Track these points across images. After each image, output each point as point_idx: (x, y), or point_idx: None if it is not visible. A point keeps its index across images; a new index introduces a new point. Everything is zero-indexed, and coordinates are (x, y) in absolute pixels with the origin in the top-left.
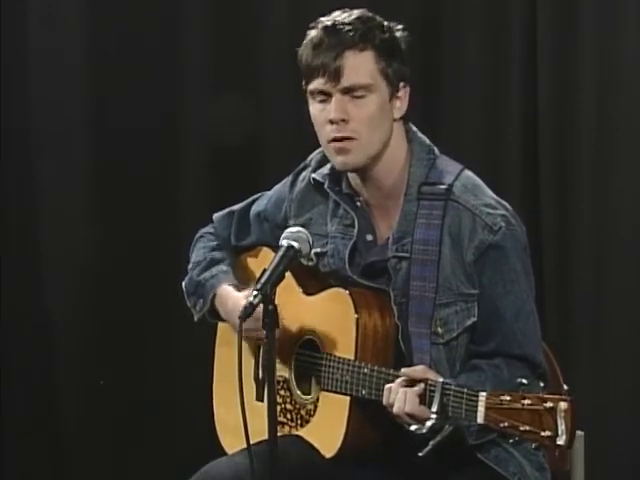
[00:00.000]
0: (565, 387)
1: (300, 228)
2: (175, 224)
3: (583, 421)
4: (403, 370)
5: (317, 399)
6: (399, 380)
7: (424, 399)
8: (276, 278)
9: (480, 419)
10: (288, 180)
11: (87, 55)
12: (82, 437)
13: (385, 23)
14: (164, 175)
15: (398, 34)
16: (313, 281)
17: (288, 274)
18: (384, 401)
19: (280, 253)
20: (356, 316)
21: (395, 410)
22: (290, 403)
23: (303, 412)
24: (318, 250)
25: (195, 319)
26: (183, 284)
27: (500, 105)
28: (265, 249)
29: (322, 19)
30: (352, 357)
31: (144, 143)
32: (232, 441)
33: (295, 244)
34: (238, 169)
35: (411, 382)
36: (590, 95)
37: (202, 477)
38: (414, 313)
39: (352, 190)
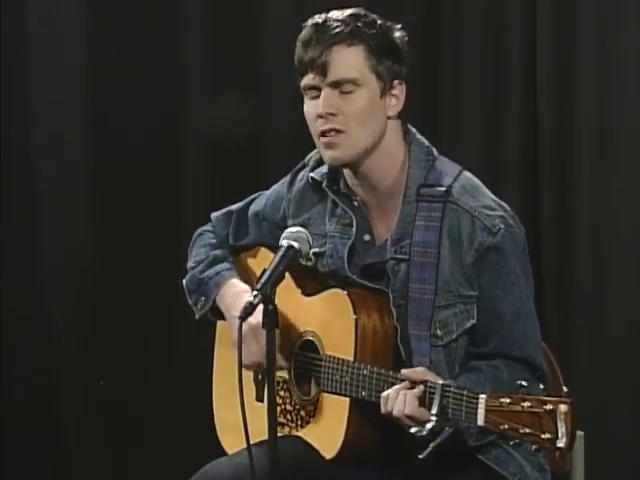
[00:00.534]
0: (565, 389)
1: (300, 228)
2: (175, 224)
3: (583, 421)
4: (403, 372)
5: (317, 400)
6: (396, 386)
7: (424, 401)
8: (276, 278)
9: (480, 421)
10: (286, 180)
11: (87, 55)
12: (82, 437)
13: (380, 21)
14: (164, 175)
15: (396, 33)
16: (312, 282)
17: (287, 275)
18: (382, 409)
19: (280, 253)
20: (355, 317)
21: (395, 412)
22: (290, 404)
23: (303, 413)
24: (317, 250)
25: (196, 316)
26: (184, 282)
27: (500, 105)
28: (264, 249)
29: (315, 16)
30: (351, 358)
31: (144, 143)
32: (232, 441)
33: (295, 244)
34: (238, 169)
35: (411, 384)
36: (590, 95)
37: (202, 477)
38: (413, 315)
39: (349, 190)
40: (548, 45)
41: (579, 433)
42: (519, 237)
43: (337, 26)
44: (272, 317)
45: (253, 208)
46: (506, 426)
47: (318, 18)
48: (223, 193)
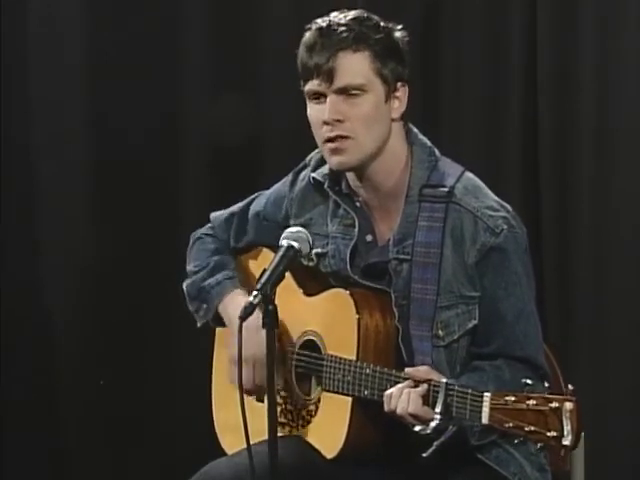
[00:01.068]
0: (570, 387)
1: (300, 228)
2: (175, 224)
3: (583, 421)
4: (406, 370)
5: (318, 400)
6: (400, 385)
7: (428, 400)
8: (276, 278)
9: (485, 420)
10: (288, 179)
11: (87, 55)
12: (82, 437)
13: (382, 23)
14: (164, 175)
15: (397, 34)
16: (313, 282)
17: (288, 275)
18: (385, 408)
19: (280, 253)
20: (357, 316)
21: (399, 411)
22: (291, 404)
23: (304, 413)
24: (319, 250)
25: (198, 324)
26: (184, 287)
27: (500, 105)
28: (265, 250)
29: (318, 20)
30: (354, 357)
31: (144, 143)
32: (232, 441)
33: (295, 244)
34: (238, 169)
35: (414, 383)
36: (590, 95)
37: (202, 477)
38: (415, 315)
39: (351, 190)
40: (548, 45)
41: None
42: (521, 238)
43: (342, 31)
44: (272, 317)
45: (253, 208)
46: (511, 424)
47: (322, 22)
48: (223, 193)
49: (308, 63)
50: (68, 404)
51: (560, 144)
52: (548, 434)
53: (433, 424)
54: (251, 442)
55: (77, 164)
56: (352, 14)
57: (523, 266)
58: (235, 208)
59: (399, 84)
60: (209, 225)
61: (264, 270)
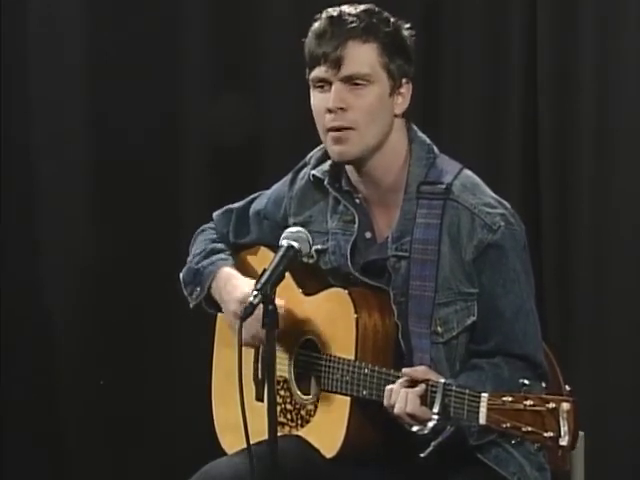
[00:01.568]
0: (567, 388)
1: (300, 228)
2: (175, 224)
3: (583, 421)
4: (404, 370)
5: (317, 399)
6: (400, 381)
7: (425, 400)
8: (276, 278)
9: (482, 420)
10: (287, 178)
11: (87, 55)
12: (82, 437)
13: (392, 19)
14: (164, 175)
15: (405, 32)
16: (312, 281)
17: (287, 274)
18: (385, 402)
19: (280, 253)
20: (356, 316)
21: (396, 411)
22: (290, 403)
23: (303, 412)
24: (319, 247)
25: (190, 306)
26: (181, 275)
27: (500, 105)
28: (264, 249)
29: (329, 9)
30: (352, 357)
31: (144, 143)
32: (232, 441)
33: (295, 244)
34: (238, 169)
35: (412, 383)
36: (590, 95)
37: (202, 477)
38: (414, 312)
39: (351, 187)
40: (548, 45)
41: (579, 433)
42: (519, 235)
43: (353, 21)
44: (272, 317)
45: (254, 207)
46: (508, 425)
47: (333, 11)
48: (223, 193)
49: (316, 50)
50: (68, 404)
51: (560, 144)
52: (545, 434)
53: (431, 424)
54: (251, 442)
55: (77, 164)
56: (363, 6)
57: (521, 263)
58: (235, 205)
59: (404, 80)
60: (212, 222)
61: (264, 270)
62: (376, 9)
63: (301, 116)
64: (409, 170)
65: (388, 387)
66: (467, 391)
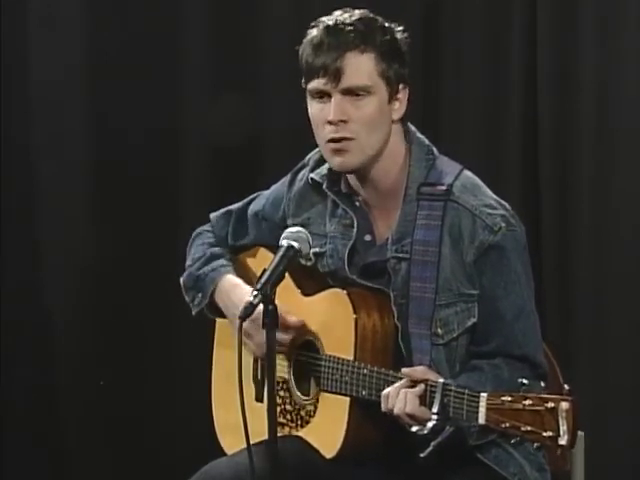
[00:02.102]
0: (566, 387)
1: (300, 228)
2: (175, 224)
3: (583, 421)
4: (403, 370)
5: (317, 400)
6: (397, 384)
7: (425, 400)
8: (276, 278)
9: (481, 420)
10: (286, 179)
11: (87, 55)
12: (82, 437)
13: (386, 24)
14: (164, 175)
15: (399, 35)
16: (311, 282)
17: (286, 275)
18: (382, 407)
19: (280, 253)
20: (355, 316)
21: (396, 411)
22: (290, 404)
23: (303, 413)
24: (317, 250)
25: (193, 313)
26: (181, 280)
27: (500, 105)
28: (263, 249)
29: (323, 18)
30: (351, 358)
31: (144, 143)
32: (232, 441)
33: (295, 244)
34: (238, 169)
35: (412, 383)
36: (590, 95)
37: (202, 477)
38: (414, 314)
39: (351, 190)
40: (548, 45)
41: (579, 433)
42: (520, 236)
43: (350, 31)
44: (272, 317)
45: (252, 208)
46: (507, 424)
47: (328, 21)
48: (223, 193)
49: (314, 62)
50: (68, 404)
51: (560, 144)
52: (544, 434)
53: (430, 424)
54: (251, 442)
55: (77, 164)
56: (357, 14)
57: (522, 264)
58: (234, 206)
59: (401, 86)
60: (209, 224)
61: (264, 270)
62: (370, 15)
63: (301, 116)
64: (409, 172)
65: (384, 392)
66: (466, 391)
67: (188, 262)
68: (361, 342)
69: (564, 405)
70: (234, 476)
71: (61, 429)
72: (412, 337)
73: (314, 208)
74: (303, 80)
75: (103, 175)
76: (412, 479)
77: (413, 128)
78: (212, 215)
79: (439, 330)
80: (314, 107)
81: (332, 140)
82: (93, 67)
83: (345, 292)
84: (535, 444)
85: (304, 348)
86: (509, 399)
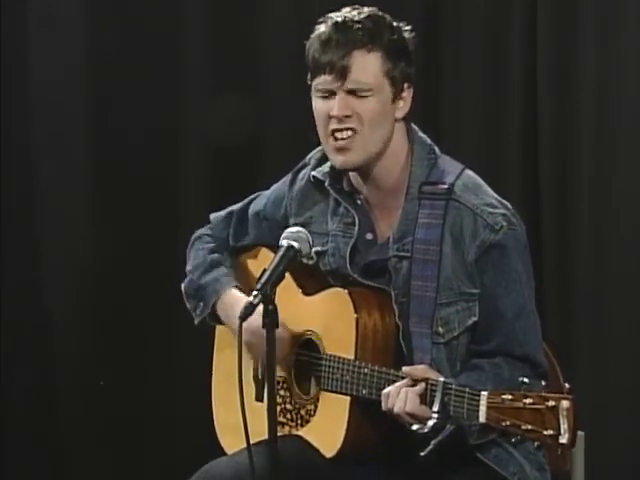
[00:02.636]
0: (567, 385)
1: (300, 228)
2: (175, 224)
3: (583, 421)
4: (404, 369)
5: (317, 399)
6: (397, 384)
7: (425, 399)
8: (276, 278)
9: (482, 418)
10: (287, 178)
11: (87, 55)
12: (82, 437)
13: (394, 23)
14: (164, 175)
15: (406, 35)
16: (312, 281)
17: (287, 274)
18: (383, 407)
19: (280, 253)
20: (356, 316)
21: (396, 410)
22: (290, 403)
23: (303, 412)
24: (319, 249)
25: (195, 322)
26: (182, 286)
27: (500, 105)
28: (264, 249)
29: (332, 15)
30: (352, 357)
31: (144, 143)
32: (232, 441)
33: (295, 244)
34: (238, 169)
35: (412, 382)
36: (590, 95)
37: (202, 477)
38: (415, 313)
39: (352, 188)
40: (548, 45)
41: (579, 433)
42: (521, 235)
43: (358, 28)
44: (272, 317)
45: (253, 208)
46: (508, 423)
47: (337, 17)
48: (223, 193)
49: (321, 58)
50: (68, 404)
51: (560, 144)
52: (545, 432)
53: (431, 423)
54: (251, 442)
55: (77, 164)
56: (367, 11)
57: (523, 263)
58: (234, 207)
59: (406, 85)
60: (208, 225)
61: (264, 270)
62: (379, 13)
63: (301, 116)
64: (411, 171)
65: (385, 392)
66: (467, 389)
67: (188, 267)
68: (362, 341)
69: (565, 404)
70: (234, 476)
71: (61, 429)
72: (413, 336)
73: (316, 207)
74: (309, 76)
75: (103, 175)
76: (412, 479)
77: (415, 127)
78: (212, 216)
79: (440, 329)
80: (318, 103)
81: (335, 132)
82: (93, 67)
83: (346, 291)
84: (535, 443)
85: (305, 347)
86: (510, 397)
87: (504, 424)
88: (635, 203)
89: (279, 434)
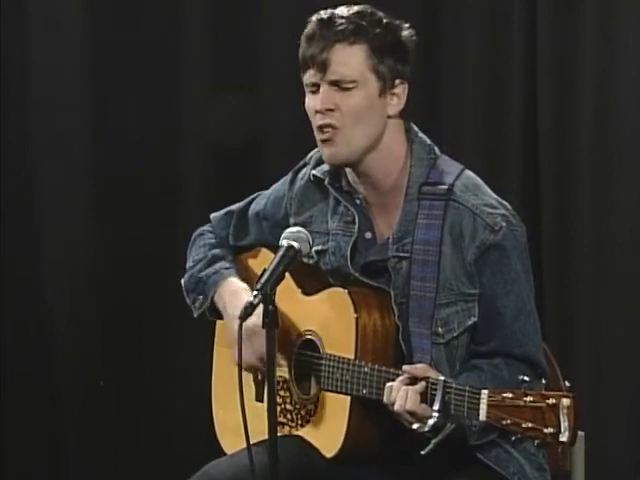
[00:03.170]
0: (567, 384)
1: (300, 228)
2: (175, 224)
3: (583, 421)
4: (404, 367)
5: (317, 399)
6: (400, 378)
7: (425, 397)
8: (276, 278)
9: (482, 417)
10: (287, 178)
11: (87, 55)
12: (82, 437)
13: (386, 20)
14: (164, 175)
15: (403, 32)
16: (311, 281)
17: (287, 274)
18: (385, 399)
19: (280, 253)
20: (355, 316)
21: (396, 408)
22: (290, 403)
23: (303, 412)
24: (319, 248)
25: (195, 315)
26: (182, 281)
27: (500, 105)
28: (264, 250)
29: (321, 12)
30: (352, 357)
31: (144, 143)
32: (232, 441)
33: (295, 244)
34: (238, 169)
35: (412, 380)
36: (590, 95)
37: (202, 477)
38: (415, 313)
39: (351, 187)
40: (548, 45)
41: (579, 433)
42: (520, 235)
43: (341, 23)
44: (272, 317)
45: (253, 208)
46: (508, 421)
47: (324, 14)
48: (223, 193)
49: (306, 53)
50: (68, 404)
51: (560, 144)
52: (545, 430)
53: (431, 422)
54: (251, 442)
55: (77, 164)
56: (356, 8)
57: (522, 264)
58: (234, 207)
59: (397, 81)
60: (209, 224)
61: (264, 270)
62: (369, 10)
63: (301, 116)
64: (410, 171)
65: (388, 384)
66: (467, 388)
67: (189, 263)
68: (362, 341)
69: (565, 401)
70: (234, 476)
71: (61, 429)
72: (412, 336)
73: (316, 206)
74: (301, 73)
75: (103, 175)
76: (412, 479)
77: (415, 127)
78: (212, 216)
79: (439, 329)
80: (309, 98)
81: (319, 127)
82: (93, 67)
83: (346, 291)
84: (536, 441)
85: (305, 347)
86: (510, 396)
87: (504, 422)
88: (635, 203)
89: (279, 434)
